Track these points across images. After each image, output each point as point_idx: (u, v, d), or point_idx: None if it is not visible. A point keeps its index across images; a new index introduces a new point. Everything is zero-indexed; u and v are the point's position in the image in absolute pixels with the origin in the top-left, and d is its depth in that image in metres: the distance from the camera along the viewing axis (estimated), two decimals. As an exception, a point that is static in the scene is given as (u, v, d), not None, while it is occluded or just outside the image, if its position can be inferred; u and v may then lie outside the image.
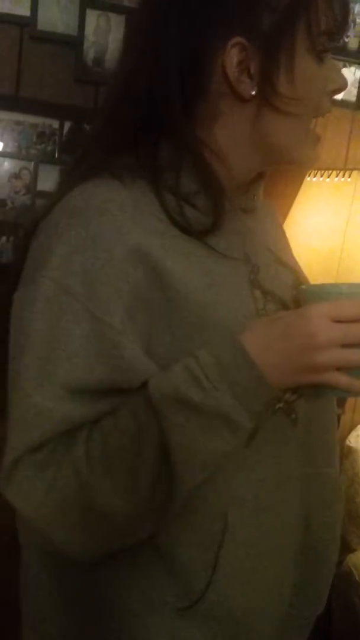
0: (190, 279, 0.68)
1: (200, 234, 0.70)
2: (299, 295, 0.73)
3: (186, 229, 0.69)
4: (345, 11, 0.72)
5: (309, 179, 1.52)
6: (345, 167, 1.54)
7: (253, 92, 0.69)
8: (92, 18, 1.50)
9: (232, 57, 0.68)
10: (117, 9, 1.51)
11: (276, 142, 0.73)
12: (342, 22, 0.72)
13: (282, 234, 0.93)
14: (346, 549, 1.71)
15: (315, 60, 0.70)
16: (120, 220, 0.65)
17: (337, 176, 1.40)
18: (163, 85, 0.68)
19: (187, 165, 0.69)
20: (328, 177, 1.43)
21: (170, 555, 0.71)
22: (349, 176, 1.36)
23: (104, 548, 0.68)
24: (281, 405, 0.73)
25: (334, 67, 0.73)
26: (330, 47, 0.71)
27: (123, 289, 0.65)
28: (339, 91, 0.74)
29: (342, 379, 0.64)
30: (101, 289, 0.64)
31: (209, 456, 0.65)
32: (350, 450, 1.81)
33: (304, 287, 0.72)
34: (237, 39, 0.67)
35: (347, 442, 1.83)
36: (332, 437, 0.84)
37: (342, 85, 0.74)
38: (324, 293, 0.67)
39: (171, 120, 0.69)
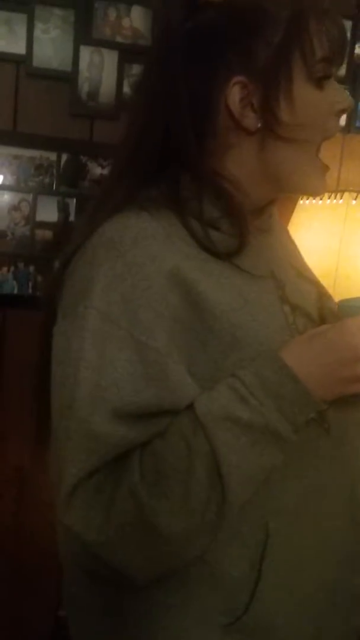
0: (224, 300, 0.71)
1: (227, 255, 0.73)
2: (338, 310, 0.77)
3: (214, 251, 0.72)
4: (342, 35, 0.74)
5: (302, 201, 1.55)
6: (337, 189, 1.56)
7: (258, 125, 0.73)
8: (86, 54, 1.55)
9: (234, 95, 0.72)
10: (109, 44, 1.55)
11: (283, 171, 0.76)
12: (339, 47, 0.74)
13: (297, 248, 0.97)
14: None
15: (316, 86, 0.73)
16: (154, 248, 0.69)
17: (329, 198, 1.42)
18: (177, 126, 0.73)
19: (208, 194, 0.73)
20: (321, 199, 1.45)
21: (215, 570, 0.73)
22: (341, 198, 1.39)
23: (160, 569, 0.70)
24: (313, 415, 0.75)
25: (337, 89, 0.76)
26: (330, 71, 0.74)
27: (163, 312, 0.68)
28: (345, 111, 0.77)
29: None
30: (143, 314, 0.67)
31: (258, 471, 0.68)
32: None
33: (340, 302, 0.76)
34: (237, 78, 0.72)
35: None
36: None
37: (348, 105, 0.77)
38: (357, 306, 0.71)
39: (187, 157, 0.73)
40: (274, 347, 0.69)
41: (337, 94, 0.76)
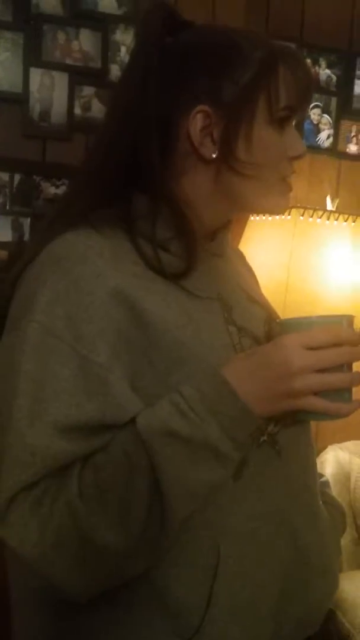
0: (168, 318, 0.72)
1: (175, 276, 0.74)
2: (276, 328, 0.78)
3: (161, 271, 0.74)
4: (309, 85, 0.78)
5: (252, 218, 1.59)
6: (286, 205, 1.61)
7: (214, 155, 0.75)
8: (36, 76, 1.56)
9: (196, 122, 0.74)
10: (59, 67, 1.57)
11: (238, 197, 0.79)
12: (305, 96, 0.78)
13: (252, 274, 1.00)
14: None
15: (276, 130, 0.76)
16: (99, 265, 0.70)
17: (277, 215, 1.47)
18: (145, 144, 0.74)
19: (162, 214, 0.75)
20: (270, 215, 1.50)
21: (163, 592, 0.72)
22: (289, 214, 1.43)
23: (100, 585, 0.69)
24: (265, 438, 0.76)
25: (294, 136, 0.79)
26: (292, 117, 0.77)
27: (106, 328, 0.68)
28: (298, 158, 0.79)
29: (319, 403, 0.68)
30: (86, 329, 0.68)
31: (198, 487, 0.68)
32: (314, 478, 1.83)
33: (280, 320, 0.77)
34: (202, 107, 0.74)
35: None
36: (312, 467, 0.87)
37: (302, 153, 0.79)
38: (297, 324, 0.72)
39: (150, 176, 0.75)
40: (217, 365, 0.69)
41: (294, 141, 0.78)
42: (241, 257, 0.98)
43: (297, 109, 0.77)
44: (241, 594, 0.74)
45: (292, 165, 0.80)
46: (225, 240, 0.86)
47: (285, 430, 0.78)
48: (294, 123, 0.80)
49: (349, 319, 0.72)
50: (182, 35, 0.77)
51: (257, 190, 0.77)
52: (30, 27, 1.54)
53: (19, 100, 1.56)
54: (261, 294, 0.95)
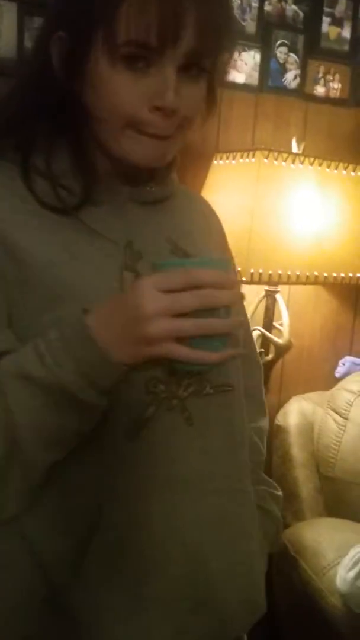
0: (45, 253, 0.69)
1: (64, 210, 0.72)
2: (152, 270, 0.72)
3: (53, 208, 0.71)
4: (169, 24, 0.65)
5: (216, 162, 1.53)
6: (251, 147, 1.56)
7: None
8: (-18, 5, 1.45)
9: (53, 48, 0.71)
10: (8, -5, 1.46)
11: (95, 137, 0.73)
12: (164, 35, 0.65)
13: (210, 228, 0.92)
14: (280, 525, 1.74)
15: (121, 69, 0.67)
16: None
17: (241, 157, 1.42)
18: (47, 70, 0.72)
19: (60, 145, 0.73)
20: (233, 159, 1.44)
21: (36, 544, 0.72)
22: (253, 156, 1.38)
23: None
24: (175, 402, 0.73)
25: (161, 82, 0.67)
26: (138, 58, 0.67)
27: None
28: (161, 109, 0.69)
29: (180, 350, 0.62)
30: None
31: (59, 432, 0.66)
32: (279, 429, 1.84)
33: (154, 262, 0.70)
34: (59, 33, 0.70)
35: (276, 421, 1.86)
36: (241, 444, 0.82)
37: (165, 104, 0.68)
38: (166, 267, 0.66)
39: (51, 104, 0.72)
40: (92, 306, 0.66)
41: (158, 88, 0.68)
42: (194, 205, 0.92)
43: (156, 49, 0.66)
44: (119, 561, 0.71)
45: (156, 115, 0.69)
46: (162, 190, 0.81)
47: (199, 399, 0.75)
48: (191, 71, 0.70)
49: (224, 262, 0.67)
50: None
51: (105, 133, 0.72)
52: None
53: (-36, 31, 1.45)
54: (207, 249, 0.87)
